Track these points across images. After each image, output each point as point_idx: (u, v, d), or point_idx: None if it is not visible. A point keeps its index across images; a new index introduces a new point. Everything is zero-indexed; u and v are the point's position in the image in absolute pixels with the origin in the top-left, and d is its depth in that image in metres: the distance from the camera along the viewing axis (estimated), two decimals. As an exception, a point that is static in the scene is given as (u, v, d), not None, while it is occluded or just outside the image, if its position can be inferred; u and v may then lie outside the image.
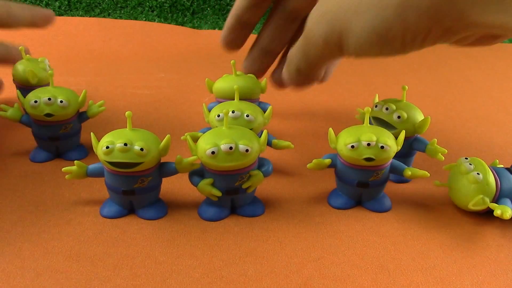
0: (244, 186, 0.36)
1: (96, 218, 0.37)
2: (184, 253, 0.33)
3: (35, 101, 0.41)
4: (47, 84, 0.48)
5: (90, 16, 0.95)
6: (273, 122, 0.55)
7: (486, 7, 0.19)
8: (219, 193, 0.35)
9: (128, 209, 0.37)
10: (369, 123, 0.38)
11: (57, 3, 0.94)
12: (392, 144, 0.36)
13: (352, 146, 0.35)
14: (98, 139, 0.35)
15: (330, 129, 0.37)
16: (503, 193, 0.36)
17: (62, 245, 0.34)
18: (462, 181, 0.36)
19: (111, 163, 0.34)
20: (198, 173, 0.36)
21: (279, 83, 0.34)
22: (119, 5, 0.96)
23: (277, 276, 0.31)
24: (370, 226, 0.37)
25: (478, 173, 0.36)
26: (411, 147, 0.42)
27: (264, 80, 0.48)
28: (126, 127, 0.35)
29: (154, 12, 0.97)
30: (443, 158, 0.40)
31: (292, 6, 0.33)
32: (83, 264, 0.32)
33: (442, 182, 0.39)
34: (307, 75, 0.29)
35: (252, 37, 0.45)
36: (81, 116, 0.45)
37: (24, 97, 0.43)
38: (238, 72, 0.48)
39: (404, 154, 0.42)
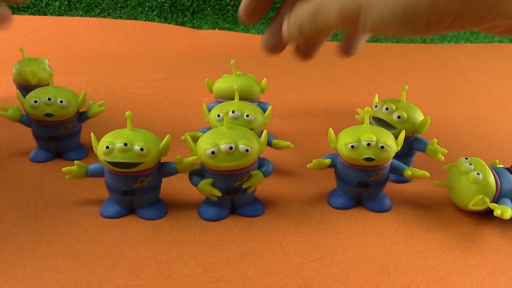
0: (244, 186, 0.36)
1: (96, 218, 0.37)
2: (184, 253, 0.33)
3: (35, 101, 0.41)
4: (47, 84, 0.48)
5: (90, 16, 0.95)
6: (273, 122, 0.55)
7: None
8: (219, 193, 0.35)
9: (128, 209, 0.37)
10: (369, 123, 0.38)
11: (57, 3, 0.94)
12: (392, 144, 0.36)
13: (352, 146, 0.35)
14: (98, 139, 0.35)
15: (330, 129, 0.37)
16: (503, 193, 0.36)
17: (62, 245, 0.34)
18: (462, 181, 0.36)
19: (111, 163, 0.34)
20: (198, 173, 0.36)
21: (270, 45, 0.32)
22: (119, 5, 0.96)
23: (277, 276, 0.31)
24: (370, 226, 0.37)
25: (478, 173, 0.36)
26: (411, 147, 0.42)
27: (264, 80, 0.48)
28: (126, 127, 0.35)
29: (154, 12, 0.97)
30: (443, 158, 0.40)
31: None
32: (83, 264, 0.32)
33: (442, 182, 0.39)
34: (308, 37, 0.28)
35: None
36: (81, 116, 0.45)
37: (24, 97, 0.43)
38: (238, 72, 0.48)
39: (404, 154, 0.42)
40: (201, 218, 0.37)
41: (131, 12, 0.96)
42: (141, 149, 0.33)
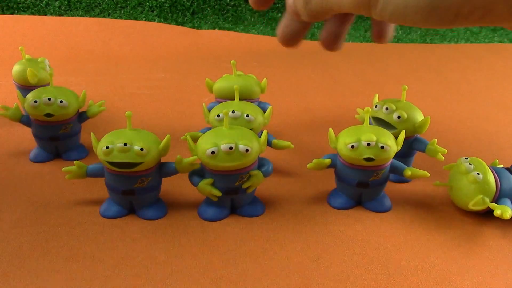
0: (244, 186, 0.36)
1: (96, 218, 0.37)
2: (184, 253, 0.33)
3: (35, 101, 0.41)
4: (47, 84, 0.48)
5: (90, 16, 0.95)
6: (273, 122, 0.55)
7: None
8: (219, 193, 0.35)
9: (128, 209, 0.37)
10: (369, 123, 0.38)
11: (57, 3, 0.94)
12: (392, 144, 0.36)
13: (352, 146, 0.35)
14: (98, 139, 0.35)
15: (330, 129, 0.37)
16: (503, 193, 0.36)
17: (62, 245, 0.34)
18: (462, 181, 0.36)
19: (111, 163, 0.34)
20: (198, 173, 0.36)
21: (286, 35, 0.30)
22: (119, 5, 0.96)
23: (277, 276, 0.31)
24: (370, 226, 0.37)
25: (478, 173, 0.36)
26: (411, 147, 0.42)
27: (264, 80, 0.48)
28: (126, 127, 0.35)
29: (154, 12, 0.97)
30: (443, 158, 0.40)
31: None
32: (83, 264, 0.32)
33: (442, 182, 0.39)
34: (312, 13, 0.26)
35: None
36: (81, 116, 0.45)
37: (24, 97, 0.43)
38: (238, 72, 0.48)
39: (404, 154, 0.42)
40: (201, 218, 0.37)
41: (131, 12, 0.96)
42: (141, 149, 0.33)
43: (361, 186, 0.37)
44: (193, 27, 0.95)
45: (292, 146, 0.42)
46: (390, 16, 0.21)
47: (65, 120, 0.43)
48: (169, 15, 0.98)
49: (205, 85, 0.49)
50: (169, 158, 0.39)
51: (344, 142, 0.36)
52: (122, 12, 0.96)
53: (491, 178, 0.36)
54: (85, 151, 0.47)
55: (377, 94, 0.45)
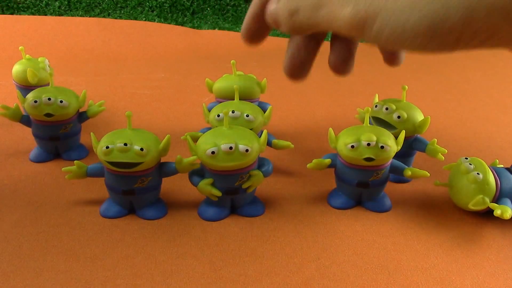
0: (244, 186, 0.36)
1: (96, 218, 0.37)
2: (184, 253, 0.33)
3: (35, 101, 0.41)
4: (47, 84, 0.48)
5: (90, 16, 0.95)
6: (273, 122, 0.55)
7: None
8: (219, 193, 0.35)
9: (128, 209, 0.37)
10: (369, 123, 0.38)
11: (57, 3, 0.94)
12: (392, 144, 0.36)
13: (352, 146, 0.35)
14: (98, 139, 0.35)
15: (330, 129, 0.37)
16: (503, 193, 0.36)
17: (62, 245, 0.34)
18: (462, 181, 0.36)
19: (111, 163, 0.34)
20: (198, 173, 0.36)
21: (249, 31, 0.28)
22: (119, 5, 0.96)
23: (277, 276, 0.31)
24: (370, 226, 0.37)
25: (478, 173, 0.36)
26: (411, 147, 0.42)
27: (264, 80, 0.48)
28: (126, 127, 0.35)
29: (154, 12, 0.97)
30: (443, 158, 0.40)
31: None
32: (83, 264, 0.32)
33: (442, 182, 0.39)
34: (295, 26, 0.23)
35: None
36: (81, 116, 0.45)
37: (24, 97, 0.43)
38: (238, 72, 0.48)
39: (404, 154, 0.42)
40: (201, 218, 0.37)
41: (131, 12, 0.96)
42: (141, 149, 0.33)
43: (361, 186, 0.37)
44: (193, 27, 0.95)
45: (292, 146, 0.42)
46: (386, 40, 0.20)
47: (65, 120, 0.43)
48: (169, 15, 0.98)
49: (205, 85, 0.49)
50: (169, 158, 0.39)
51: (344, 142, 0.36)
52: (122, 12, 0.96)
53: (491, 178, 0.36)
54: (85, 151, 0.47)
55: (377, 94, 0.45)
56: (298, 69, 0.25)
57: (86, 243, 0.34)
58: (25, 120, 0.44)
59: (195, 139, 0.37)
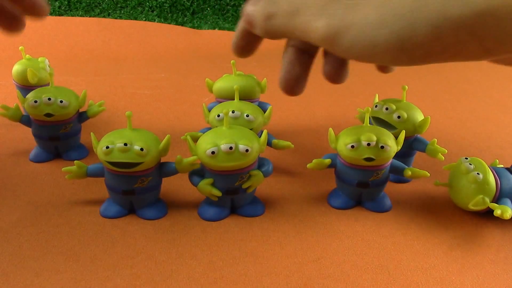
0: (244, 186, 0.36)
1: (96, 218, 0.37)
2: (184, 253, 0.33)
3: (35, 101, 0.41)
4: (47, 84, 0.48)
5: (90, 16, 0.95)
6: (273, 122, 0.55)
7: None
8: (219, 193, 0.35)
9: (128, 209, 0.37)
10: (369, 123, 0.38)
11: (57, 3, 0.94)
12: (392, 144, 0.36)
13: (352, 146, 0.35)
14: (98, 139, 0.35)
15: (330, 129, 0.37)
16: (503, 193, 0.36)
17: (62, 245, 0.34)
18: (462, 181, 0.36)
19: (111, 163, 0.34)
20: (198, 173, 0.36)
21: (239, 43, 0.28)
22: (119, 5, 0.96)
23: (277, 276, 0.31)
24: (370, 226, 0.37)
25: (478, 173, 0.36)
26: (411, 147, 0.42)
27: (264, 80, 0.48)
28: (126, 127, 0.35)
29: (154, 12, 0.97)
30: (443, 158, 0.40)
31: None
32: (83, 264, 0.32)
33: (442, 182, 0.39)
34: (269, 30, 0.23)
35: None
36: (81, 116, 0.45)
37: (24, 97, 0.43)
38: (238, 72, 0.48)
39: (404, 154, 0.42)
40: (201, 218, 0.37)
41: (131, 12, 0.96)
42: (141, 149, 0.33)
43: (361, 186, 0.37)
44: (193, 27, 0.95)
45: (292, 146, 0.42)
46: (357, 55, 0.20)
47: (65, 120, 0.43)
48: (169, 15, 0.98)
49: (205, 85, 0.49)
50: (169, 158, 0.39)
51: (344, 142, 0.36)
52: (122, 12, 0.96)
53: (491, 178, 0.36)
54: (85, 151, 0.47)
55: (377, 94, 0.45)
56: (294, 84, 0.25)
57: (86, 243, 0.34)
58: (25, 120, 0.44)
59: (195, 139, 0.37)
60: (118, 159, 0.33)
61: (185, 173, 0.37)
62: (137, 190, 0.35)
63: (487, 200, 0.35)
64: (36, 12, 0.35)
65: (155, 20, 0.96)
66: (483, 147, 0.51)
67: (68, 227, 0.36)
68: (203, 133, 0.36)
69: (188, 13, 0.99)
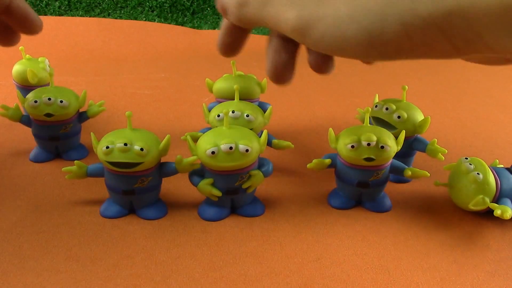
0: (244, 186, 0.36)
1: (96, 218, 0.37)
2: (184, 253, 0.33)
3: (35, 101, 0.41)
4: (47, 84, 0.48)
5: (90, 16, 0.95)
6: (273, 122, 0.55)
7: (503, 32, 0.16)
8: (219, 193, 0.35)
9: (128, 209, 0.37)
10: (369, 123, 0.38)
11: (57, 3, 0.94)
12: (392, 144, 0.36)
13: (352, 146, 0.35)
14: (98, 139, 0.35)
15: (330, 129, 0.37)
16: (503, 193, 0.36)
17: (62, 245, 0.34)
18: (463, 181, 0.36)
19: (111, 163, 0.34)
20: (198, 173, 0.36)
21: (224, 43, 0.28)
22: (119, 5, 0.96)
23: (277, 276, 0.31)
24: (370, 226, 0.37)
25: (478, 173, 0.36)
26: (411, 147, 0.42)
27: (264, 80, 0.48)
28: (126, 127, 0.35)
29: (154, 12, 0.97)
30: (443, 158, 0.40)
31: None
32: (83, 264, 0.32)
33: (442, 182, 0.39)
34: (241, 18, 0.23)
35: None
36: (81, 116, 0.45)
37: (24, 97, 0.43)
38: (238, 72, 0.48)
39: (404, 154, 0.42)
40: (201, 218, 0.37)
41: (131, 12, 0.96)
42: (141, 149, 0.33)
43: (361, 186, 0.37)
44: (193, 27, 0.95)
45: (292, 146, 0.42)
46: (327, 48, 0.20)
47: (65, 120, 0.43)
48: (169, 15, 0.98)
49: (205, 85, 0.49)
50: (169, 158, 0.39)
51: (344, 142, 0.36)
52: (122, 12, 0.96)
53: (491, 178, 0.36)
54: (85, 151, 0.47)
55: (377, 94, 0.45)
56: (282, 72, 0.24)
57: (86, 243, 0.34)
58: (25, 120, 0.44)
59: (195, 139, 0.37)
60: (118, 159, 0.33)
61: (185, 173, 0.37)
62: (137, 190, 0.35)
63: (487, 200, 0.35)
64: (28, 29, 0.36)
65: (155, 20, 0.96)
66: (483, 147, 0.51)
67: (68, 227, 0.36)
68: (203, 133, 0.36)
69: (188, 13, 0.99)
